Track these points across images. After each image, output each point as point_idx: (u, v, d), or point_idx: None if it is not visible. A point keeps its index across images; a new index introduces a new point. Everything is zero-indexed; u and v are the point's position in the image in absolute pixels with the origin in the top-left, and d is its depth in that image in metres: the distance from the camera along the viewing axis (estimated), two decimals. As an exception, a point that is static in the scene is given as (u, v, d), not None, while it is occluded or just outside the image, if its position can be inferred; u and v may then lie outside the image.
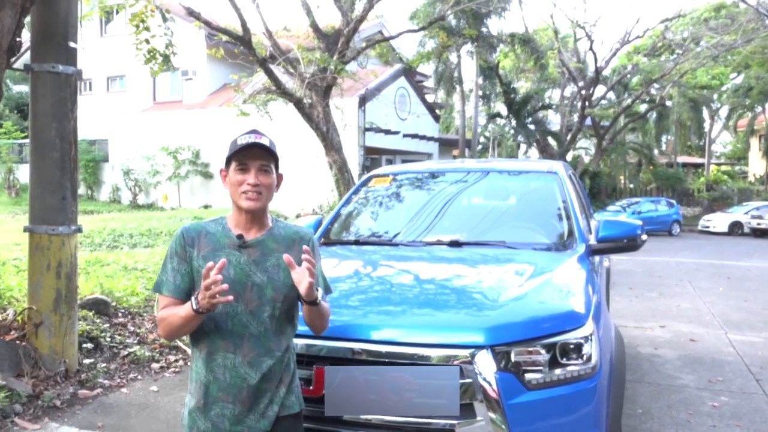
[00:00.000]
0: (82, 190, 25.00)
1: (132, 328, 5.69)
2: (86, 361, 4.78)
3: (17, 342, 4.43)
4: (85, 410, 4.15)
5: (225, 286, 1.77)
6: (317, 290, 1.93)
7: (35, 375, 4.34)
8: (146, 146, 23.03)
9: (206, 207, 21.52)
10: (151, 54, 8.21)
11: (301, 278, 1.88)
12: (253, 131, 2.02)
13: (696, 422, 4.24)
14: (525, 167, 4.42)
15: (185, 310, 1.86)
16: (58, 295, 4.49)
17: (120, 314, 5.97)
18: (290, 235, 2.09)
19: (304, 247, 1.90)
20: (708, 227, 24.72)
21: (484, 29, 21.65)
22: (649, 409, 4.47)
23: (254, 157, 1.97)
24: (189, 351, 5.30)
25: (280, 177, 2.08)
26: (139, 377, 4.82)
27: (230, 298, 1.79)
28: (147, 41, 8.09)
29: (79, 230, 4.64)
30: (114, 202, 24.45)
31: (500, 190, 4.09)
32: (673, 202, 25.94)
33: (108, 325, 5.53)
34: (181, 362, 5.17)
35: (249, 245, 2.00)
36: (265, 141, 1.98)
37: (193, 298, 1.84)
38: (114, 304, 6.03)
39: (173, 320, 1.90)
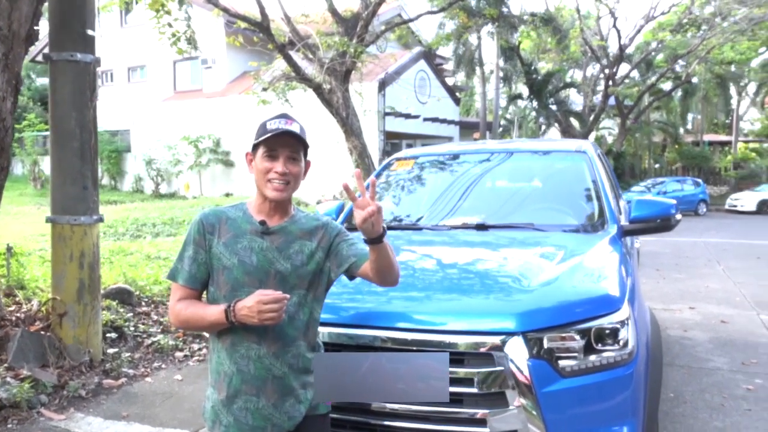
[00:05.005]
0: (105, 180, 25.28)
1: (155, 317, 5.69)
2: (110, 350, 4.78)
3: (42, 332, 4.44)
4: (110, 400, 4.15)
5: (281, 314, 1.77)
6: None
7: (60, 365, 4.35)
8: (167, 136, 23.15)
9: (228, 195, 21.62)
10: (175, 37, 8.27)
11: (364, 206, 1.75)
12: (283, 116, 1.92)
13: (730, 406, 4.12)
14: (552, 147, 4.28)
15: (214, 316, 1.81)
16: (81, 285, 4.49)
17: (143, 303, 5.97)
18: (312, 222, 2.01)
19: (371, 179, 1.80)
20: (735, 206, 24.21)
21: (504, 9, 21.23)
22: (681, 392, 4.36)
23: (283, 144, 1.88)
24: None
25: (307, 164, 1.99)
26: (164, 366, 4.82)
27: (279, 321, 1.79)
28: (170, 25, 8.15)
29: (101, 220, 4.63)
30: (137, 191, 24.67)
31: (527, 171, 3.97)
32: (700, 181, 25.45)
33: (131, 314, 5.53)
34: (204, 351, 5.16)
35: (272, 232, 1.92)
36: (295, 128, 1.89)
37: (228, 309, 1.78)
38: (137, 293, 6.04)
39: (195, 321, 1.87)
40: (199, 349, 5.17)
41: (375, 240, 1.81)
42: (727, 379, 4.63)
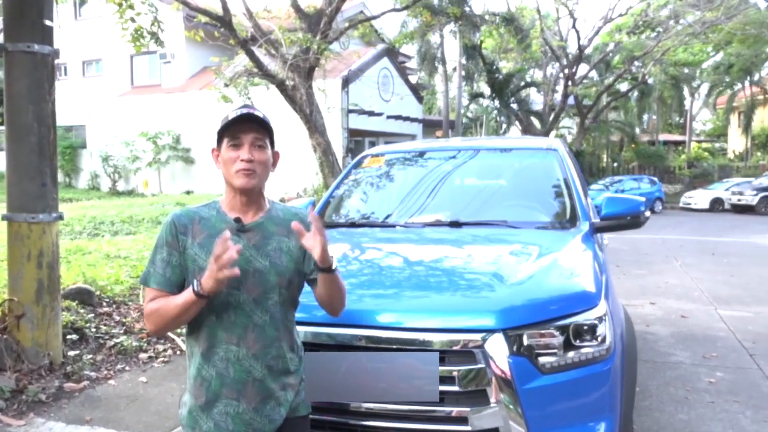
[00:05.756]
0: (59, 177, 24.48)
1: (117, 318, 5.52)
2: (71, 353, 4.62)
3: (-2, 335, 4.26)
4: (72, 404, 4.00)
5: (233, 254, 1.63)
6: (331, 257, 1.80)
7: (18, 369, 4.18)
8: (125, 132, 22.60)
9: (188, 193, 21.21)
10: (138, 32, 7.94)
11: (313, 243, 1.74)
12: (245, 106, 1.87)
13: (694, 399, 4.22)
14: (523, 144, 4.30)
15: (183, 296, 1.72)
16: (40, 286, 4.32)
17: (104, 303, 5.79)
18: (289, 217, 1.95)
19: (308, 209, 1.80)
20: (689, 204, 24.92)
21: (466, 8, 21.39)
22: (646, 386, 4.44)
23: (246, 131, 1.83)
24: (178, 341, 5.18)
25: (276, 155, 1.94)
26: (127, 368, 4.67)
27: (236, 271, 1.65)
28: (132, 20, 7.81)
29: (60, 218, 4.46)
30: (93, 189, 24.02)
31: (499, 169, 3.97)
32: (655, 179, 26.12)
33: (92, 315, 5.35)
34: (169, 351, 5.03)
35: (248, 229, 1.86)
36: (258, 114, 1.85)
37: (194, 280, 1.70)
38: (98, 293, 5.85)
39: (167, 310, 1.75)
40: (164, 350, 5.03)
41: (325, 270, 1.81)
42: (690, 373, 4.74)
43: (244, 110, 1.83)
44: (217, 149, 1.89)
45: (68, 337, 4.76)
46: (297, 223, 1.79)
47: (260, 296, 1.83)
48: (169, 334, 5.26)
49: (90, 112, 24.27)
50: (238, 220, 1.86)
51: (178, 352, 5.04)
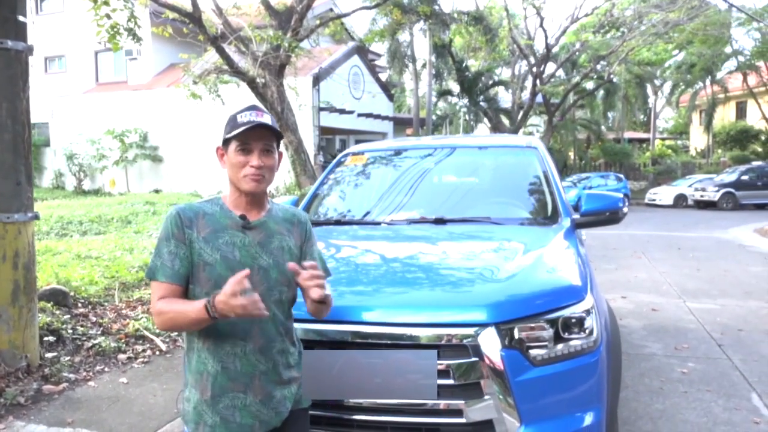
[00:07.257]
0: (22, 176, 23.88)
1: (94, 319, 5.44)
2: (48, 354, 4.54)
3: (-27, 338, 4.17)
4: (51, 406, 3.94)
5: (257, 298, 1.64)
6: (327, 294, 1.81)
7: (-5, 372, 4.10)
8: (90, 129, 22.13)
9: (157, 191, 20.87)
10: (114, 29, 7.73)
11: (307, 285, 1.75)
12: (253, 108, 1.88)
13: (668, 389, 4.34)
14: (504, 142, 4.37)
15: (196, 312, 1.70)
16: (16, 287, 4.24)
17: (80, 304, 5.69)
18: (288, 216, 2.00)
19: (306, 264, 1.78)
20: (654, 200, 25.49)
21: (436, 7, 21.51)
22: (622, 377, 4.52)
23: (257, 137, 1.84)
24: (157, 341, 5.12)
25: (280, 155, 1.96)
26: (107, 369, 4.61)
27: (266, 313, 1.67)
28: (108, 16, 7.60)
29: (36, 217, 4.38)
30: (57, 188, 23.49)
31: (481, 166, 4.03)
32: (622, 176, 26.61)
33: (68, 316, 5.26)
34: (149, 352, 4.97)
35: (253, 226, 1.89)
36: (267, 120, 1.85)
37: (207, 303, 1.68)
38: (72, 294, 5.75)
39: (179, 319, 1.75)
40: (143, 351, 4.98)
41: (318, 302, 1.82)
42: (663, 364, 4.88)
43: (254, 116, 1.84)
44: (222, 149, 1.90)
45: (45, 338, 4.68)
46: (294, 264, 1.78)
47: (264, 292, 1.85)
48: (147, 334, 5.22)
49: (53, 110, 23.72)
50: (244, 217, 1.88)
51: (158, 353, 4.99)
